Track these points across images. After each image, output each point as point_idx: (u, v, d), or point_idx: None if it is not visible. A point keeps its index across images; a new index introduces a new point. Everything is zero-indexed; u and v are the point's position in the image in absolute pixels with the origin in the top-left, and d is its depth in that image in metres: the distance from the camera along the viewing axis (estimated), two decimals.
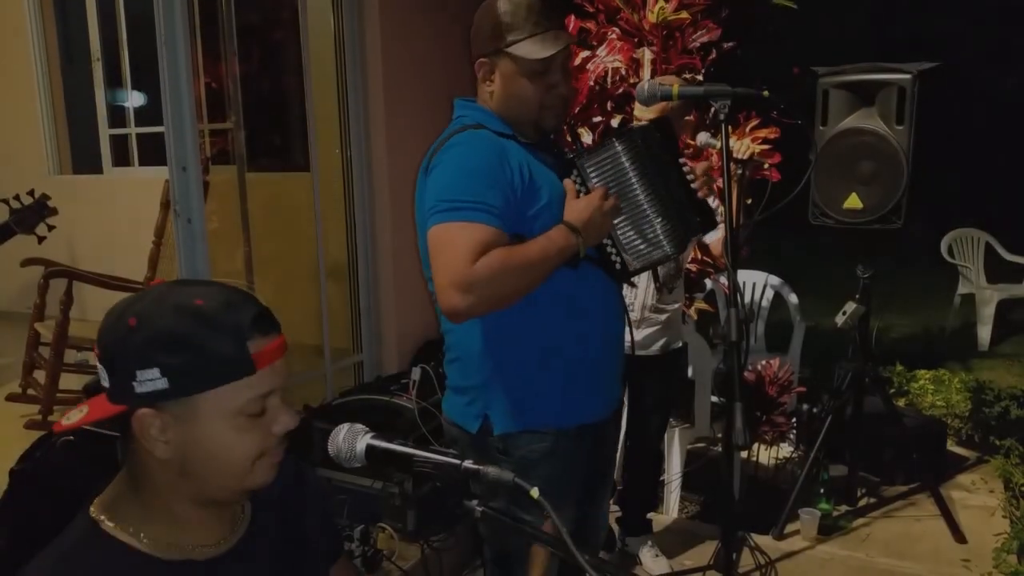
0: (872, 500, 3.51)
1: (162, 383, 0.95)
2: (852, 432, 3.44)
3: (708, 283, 3.34)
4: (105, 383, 0.98)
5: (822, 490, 3.27)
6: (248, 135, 4.54)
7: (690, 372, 3.40)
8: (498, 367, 1.75)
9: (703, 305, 3.27)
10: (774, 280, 4.24)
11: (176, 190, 2.95)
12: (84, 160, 5.75)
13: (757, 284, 4.27)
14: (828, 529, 3.21)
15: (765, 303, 4.27)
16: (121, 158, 5.51)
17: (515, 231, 1.64)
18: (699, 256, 3.07)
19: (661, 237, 1.74)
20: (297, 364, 3.87)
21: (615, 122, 3.11)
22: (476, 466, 1.02)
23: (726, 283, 1.70)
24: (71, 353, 4.26)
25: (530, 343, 1.73)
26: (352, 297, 4.12)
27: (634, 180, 1.74)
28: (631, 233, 1.76)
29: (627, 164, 1.74)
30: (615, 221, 1.74)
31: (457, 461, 1.02)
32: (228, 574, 1.06)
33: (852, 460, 3.48)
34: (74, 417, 0.99)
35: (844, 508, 3.39)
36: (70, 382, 4.04)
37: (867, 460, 3.58)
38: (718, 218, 2.16)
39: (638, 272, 1.80)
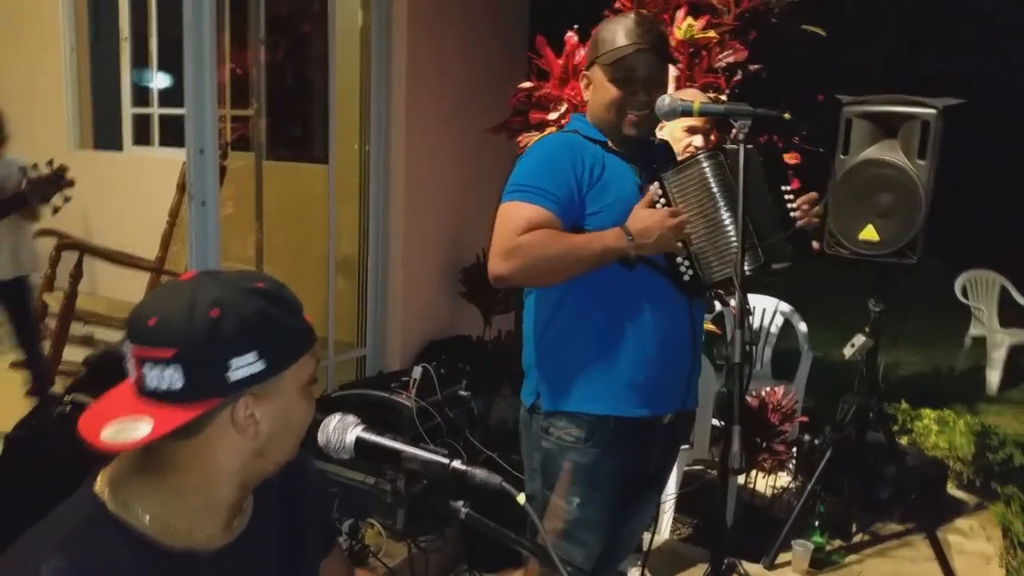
0: (867, 537, 3.47)
1: (259, 365, 0.95)
2: (852, 466, 3.40)
3: (717, 305, 3.32)
4: (176, 385, 0.92)
5: (817, 523, 3.23)
6: (269, 124, 4.56)
7: None
8: (547, 349, 1.92)
9: (710, 327, 3.24)
10: (784, 307, 4.21)
11: (192, 172, 2.96)
12: (105, 137, 5.78)
13: (767, 310, 4.24)
14: (820, 563, 3.17)
15: (774, 329, 4.24)
16: (142, 137, 5.53)
17: (574, 224, 1.81)
18: None
19: (734, 256, 1.76)
20: None
21: None
22: (464, 467, 1.01)
23: (735, 306, 1.71)
24: (77, 326, 4.27)
25: (577, 332, 1.88)
26: (360, 292, 4.12)
27: (717, 196, 1.82)
28: (706, 248, 1.84)
29: (711, 180, 1.83)
30: (691, 233, 1.84)
31: (446, 460, 1.01)
32: (229, 565, 1.04)
33: (849, 495, 3.45)
34: (136, 433, 0.91)
35: (838, 543, 3.35)
36: (74, 354, 4.05)
37: (865, 496, 3.54)
38: None
39: (707, 288, 1.89)
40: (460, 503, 1.02)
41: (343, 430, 1.07)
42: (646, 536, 3.16)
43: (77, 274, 4.02)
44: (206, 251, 3.06)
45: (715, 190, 1.82)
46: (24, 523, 0.99)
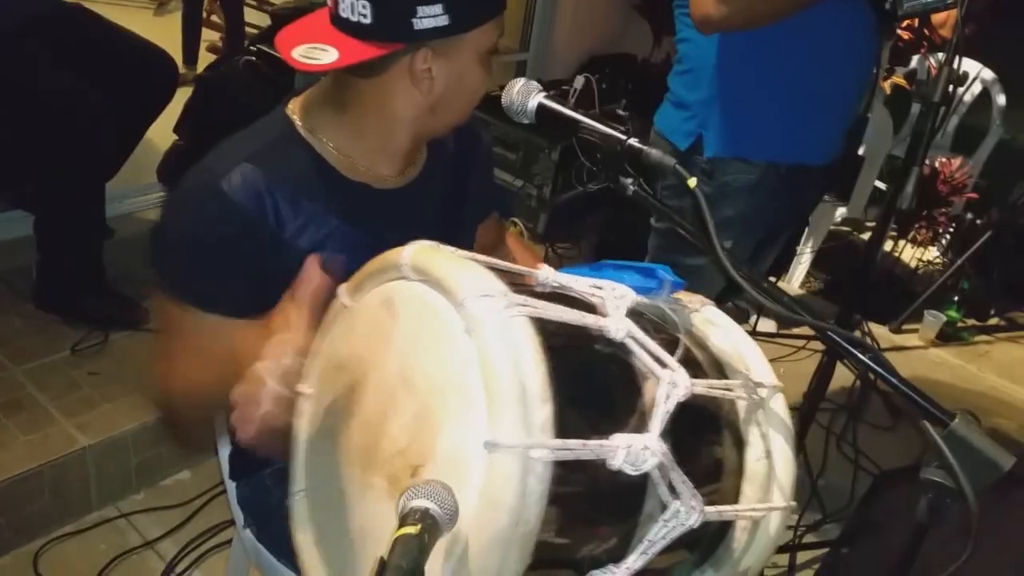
0: (1003, 322, 3.39)
1: (443, 19, 0.95)
2: (1008, 252, 3.24)
3: (914, 59, 3.02)
4: (365, 20, 0.95)
5: (956, 298, 3.16)
6: None
7: (861, 149, 3.20)
8: (727, 86, 1.70)
9: (900, 80, 2.99)
10: (987, 74, 3.76)
11: None
12: None
13: (966, 74, 3.81)
14: (948, 336, 3.15)
15: (968, 97, 3.84)
16: None
17: None
18: (914, 24, 2.75)
19: None
20: None
21: None
22: (640, 145, 1.01)
23: (934, 63, 1.55)
24: None
25: (766, 69, 1.67)
26: None
27: None
28: None
29: None
30: None
31: (623, 136, 1.01)
32: (398, 206, 1.12)
33: (998, 279, 3.32)
34: (322, 58, 0.95)
35: (972, 322, 3.29)
36: (252, 16, 4.19)
37: (1014, 284, 3.40)
38: None
39: (908, 16, 1.67)
40: (629, 180, 1.03)
41: (526, 94, 1.07)
42: (775, 281, 3.21)
43: None
44: None
45: None
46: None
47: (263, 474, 1.21)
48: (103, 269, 2.26)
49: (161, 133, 2.54)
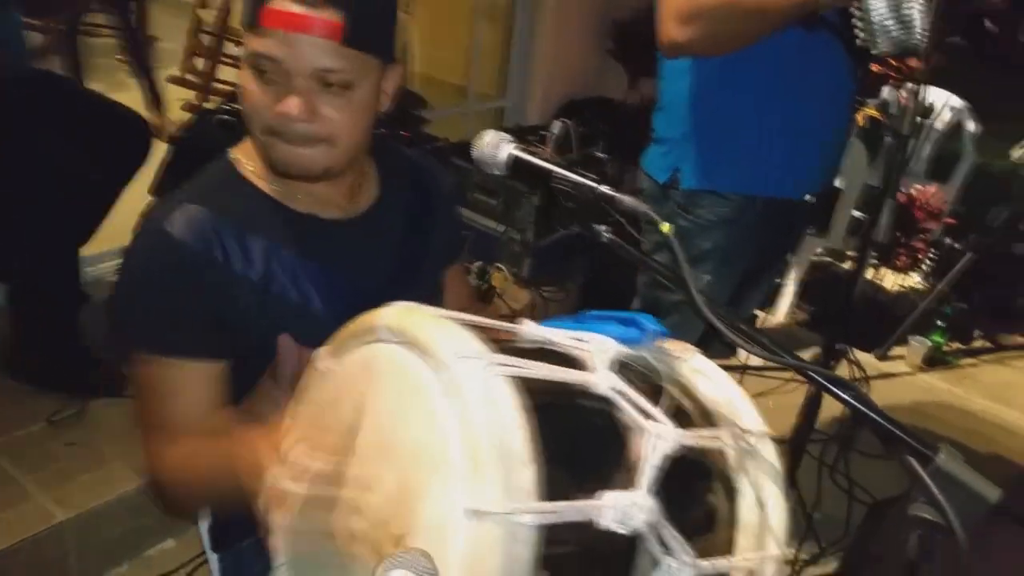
0: (988, 344, 3.41)
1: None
2: (989, 275, 3.27)
3: (885, 90, 3.06)
4: None
5: (940, 323, 3.17)
6: None
7: (837, 181, 3.22)
8: (699, 120, 1.73)
9: (873, 112, 3.03)
10: (956, 102, 3.83)
11: None
12: None
13: (936, 103, 3.87)
14: (934, 361, 3.16)
15: (939, 125, 3.90)
16: None
17: None
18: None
19: (916, 22, 1.58)
20: (439, 101, 3.88)
21: None
22: (612, 192, 1.01)
23: (905, 94, 1.57)
24: (230, 46, 4.38)
25: (738, 103, 1.69)
26: (505, 41, 4.02)
27: None
28: (884, 8, 1.58)
29: None
30: None
31: (595, 184, 1.01)
32: (347, 238, 1.11)
33: (980, 302, 3.34)
34: None
35: (957, 346, 3.30)
36: (227, 74, 4.19)
37: (996, 305, 3.42)
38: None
39: (881, 55, 1.64)
40: (604, 227, 1.03)
41: (496, 145, 1.07)
42: (762, 314, 3.21)
43: None
44: None
45: None
46: None
47: (244, 545, 1.18)
48: (79, 336, 2.21)
49: (137, 194, 2.52)
